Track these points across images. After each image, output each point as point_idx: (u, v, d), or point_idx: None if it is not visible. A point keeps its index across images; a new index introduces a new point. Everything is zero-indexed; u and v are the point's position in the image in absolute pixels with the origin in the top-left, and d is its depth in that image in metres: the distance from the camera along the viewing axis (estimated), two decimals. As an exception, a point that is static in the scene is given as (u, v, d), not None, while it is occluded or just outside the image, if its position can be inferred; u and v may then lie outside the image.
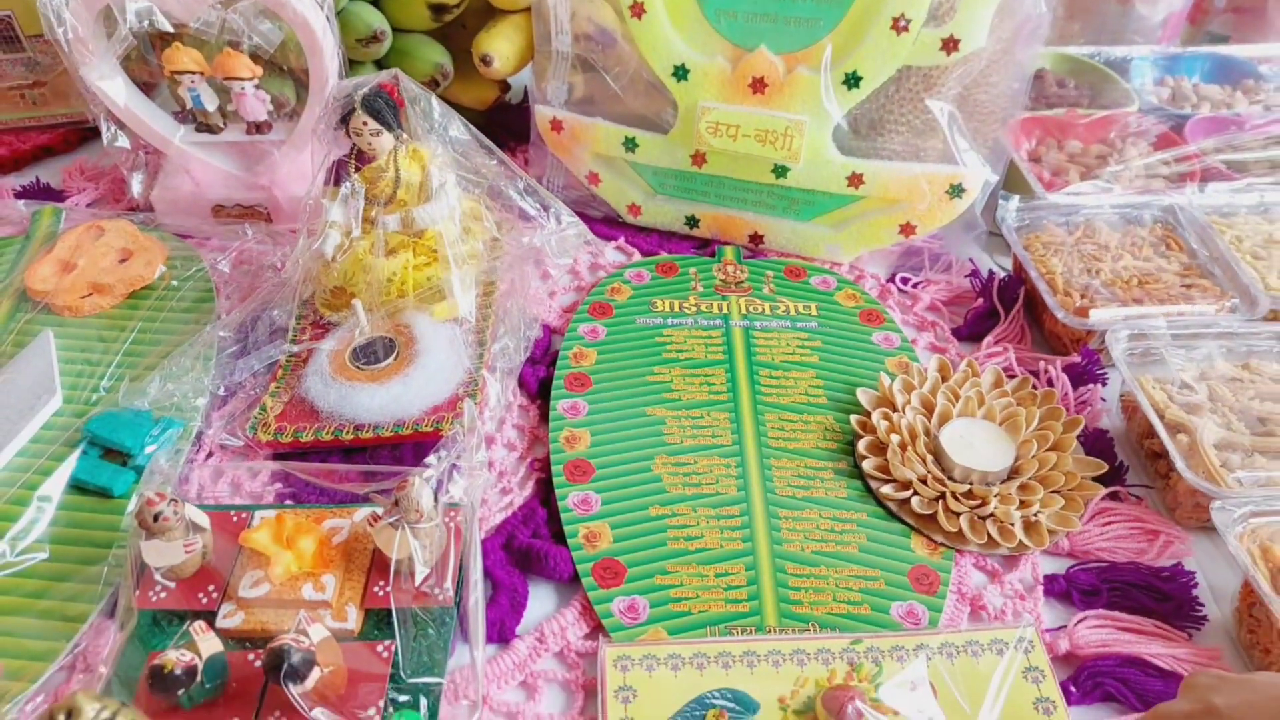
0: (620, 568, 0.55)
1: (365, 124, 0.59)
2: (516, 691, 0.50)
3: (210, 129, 0.74)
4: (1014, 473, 0.60)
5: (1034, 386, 0.65)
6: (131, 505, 0.55)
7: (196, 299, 0.70)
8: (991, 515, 0.57)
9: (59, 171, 0.85)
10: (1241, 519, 0.52)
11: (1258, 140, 0.86)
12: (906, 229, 0.75)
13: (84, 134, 0.89)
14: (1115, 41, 0.99)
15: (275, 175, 0.75)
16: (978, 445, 0.60)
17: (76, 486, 0.57)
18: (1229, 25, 1.07)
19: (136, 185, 0.77)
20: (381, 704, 0.46)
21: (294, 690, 0.43)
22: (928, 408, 0.63)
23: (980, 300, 0.74)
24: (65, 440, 0.59)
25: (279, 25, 0.67)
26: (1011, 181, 0.80)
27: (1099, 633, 0.53)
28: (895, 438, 0.60)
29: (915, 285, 0.77)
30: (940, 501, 0.58)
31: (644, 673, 0.50)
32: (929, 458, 0.60)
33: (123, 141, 0.74)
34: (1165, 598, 0.55)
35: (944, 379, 0.65)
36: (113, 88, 0.69)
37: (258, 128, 0.74)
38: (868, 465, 0.60)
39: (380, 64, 0.80)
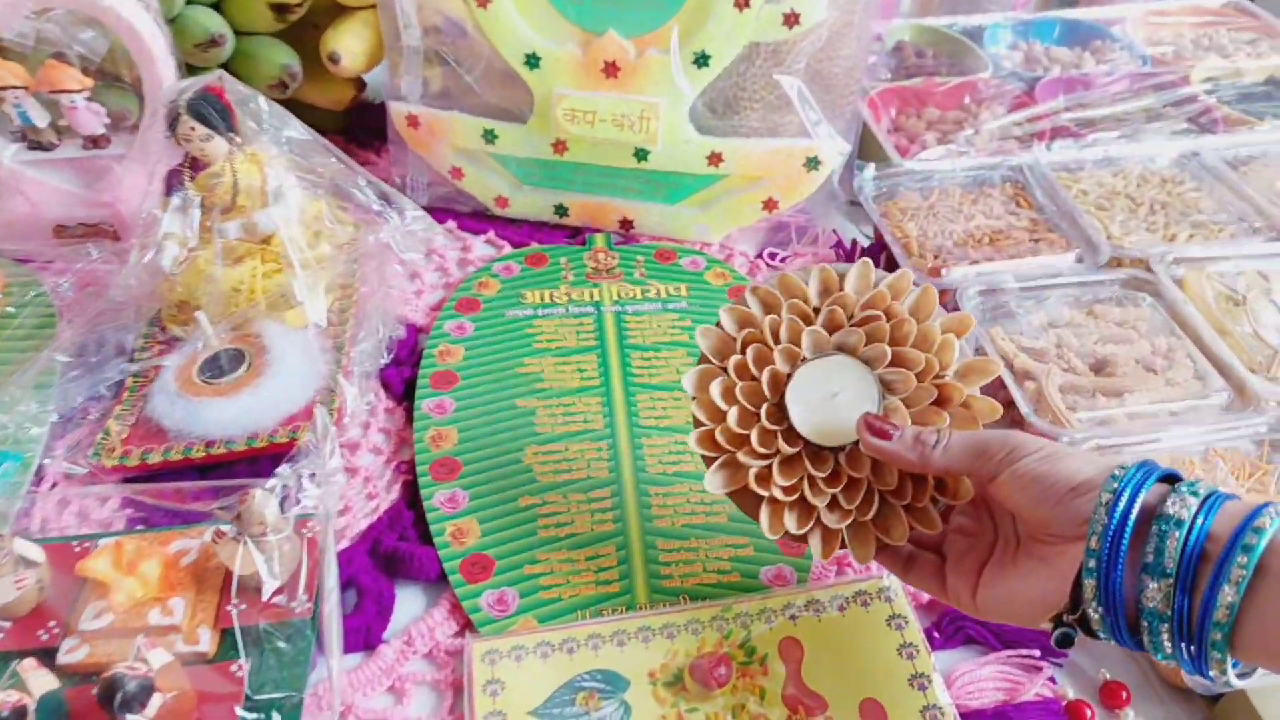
0: (488, 561, 0.54)
1: (193, 129, 0.57)
2: (385, 697, 0.49)
3: (42, 146, 0.71)
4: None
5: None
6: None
7: (36, 325, 0.66)
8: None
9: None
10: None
11: (1104, 98, 0.89)
12: (769, 204, 0.76)
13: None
14: (972, 11, 1.02)
15: (119, 190, 0.72)
16: (841, 394, 0.46)
17: (-94, 530, 0.53)
18: (1077, -10, 1.11)
19: (-32, 210, 0.73)
20: (236, 722, 0.44)
21: None
22: (794, 338, 0.48)
23: (845, 269, 0.75)
24: (-106, 482, 0.56)
25: (103, 33, 0.64)
26: (872, 150, 0.82)
27: (960, 581, 0.54)
28: (741, 384, 0.47)
29: (783, 260, 0.78)
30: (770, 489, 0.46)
31: (513, 663, 0.49)
32: (773, 412, 0.47)
33: (-53, 165, 0.70)
34: (1023, 541, 0.56)
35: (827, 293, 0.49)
36: (-72, 106, 0.66)
37: (95, 142, 0.71)
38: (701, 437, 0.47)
39: (225, 70, 0.77)
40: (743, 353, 0.48)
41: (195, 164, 0.60)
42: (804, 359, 0.47)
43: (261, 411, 0.57)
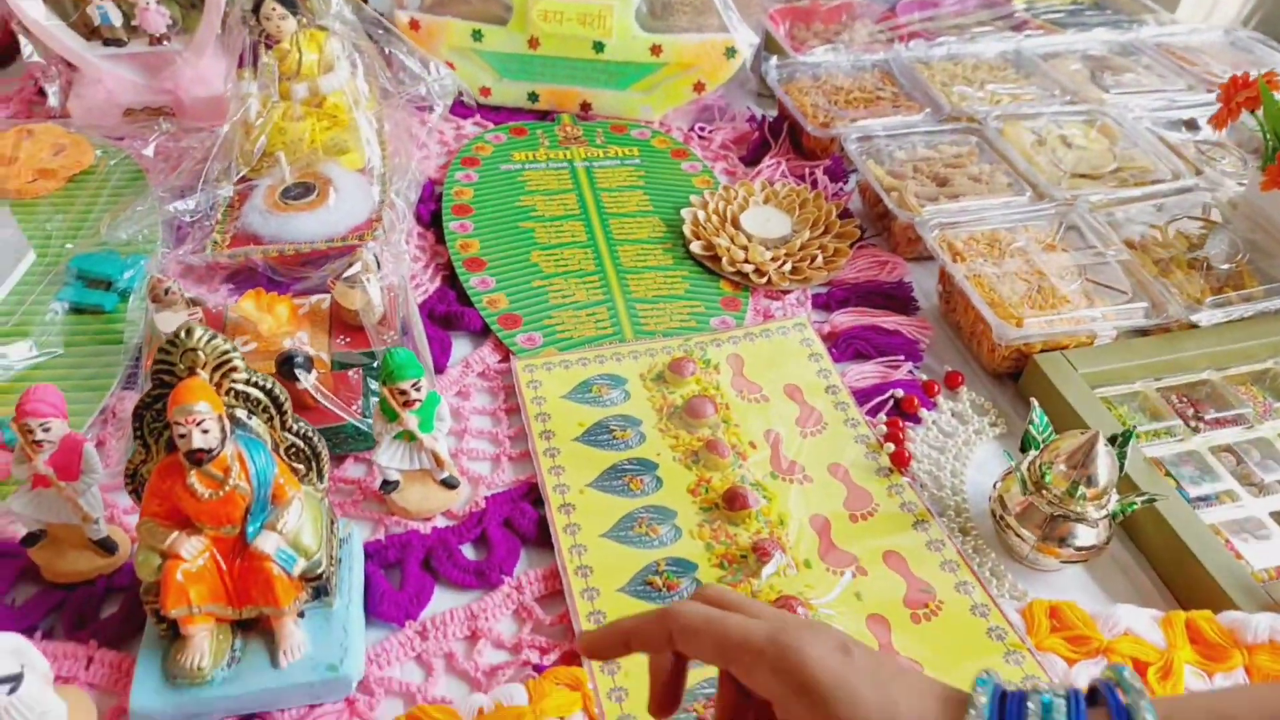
0: (517, 318, 0.75)
1: (275, 9, 0.75)
2: (455, 398, 0.69)
3: (117, 42, 0.87)
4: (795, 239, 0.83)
5: (801, 184, 0.89)
6: (132, 302, 0.70)
7: (129, 178, 0.83)
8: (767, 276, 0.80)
9: (-40, 101, 0.95)
10: (935, 227, 0.78)
11: (948, 12, 1.15)
12: (699, 87, 0.98)
13: (-24, 68, 0.98)
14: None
15: (179, 80, 0.88)
16: (771, 220, 0.84)
17: (74, 310, 0.70)
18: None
19: (53, 96, 0.89)
20: (360, 401, 0.64)
21: (304, 380, 0.60)
22: (725, 208, 0.85)
23: (756, 135, 0.98)
24: (49, 282, 0.72)
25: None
26: (774, 51, 1.05)
27: (849, 317, 0.77)
28: (714, 220, 0.83)
29: (710, 132, 1.00)
30: (734, 265, 0.80)
31: (545, 371, 0.70)
32: (736, 233, 0.82)
33: (37, 56, 0.86)
34: (892, 297, 0.80)
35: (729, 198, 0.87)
36: (31, 8, 0.81)
37: (158, 40, 0.88)
38: (695, 246, 0.82)
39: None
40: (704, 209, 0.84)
41: (268, 39, 0.78)
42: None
43: (334, 222, 0.76)
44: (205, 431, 0.46)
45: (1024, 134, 0.93)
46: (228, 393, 0.49)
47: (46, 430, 0.51)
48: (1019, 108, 0.96)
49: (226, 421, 0.47)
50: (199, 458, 0.46)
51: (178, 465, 0.47)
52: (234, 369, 0.49)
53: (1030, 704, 0.30)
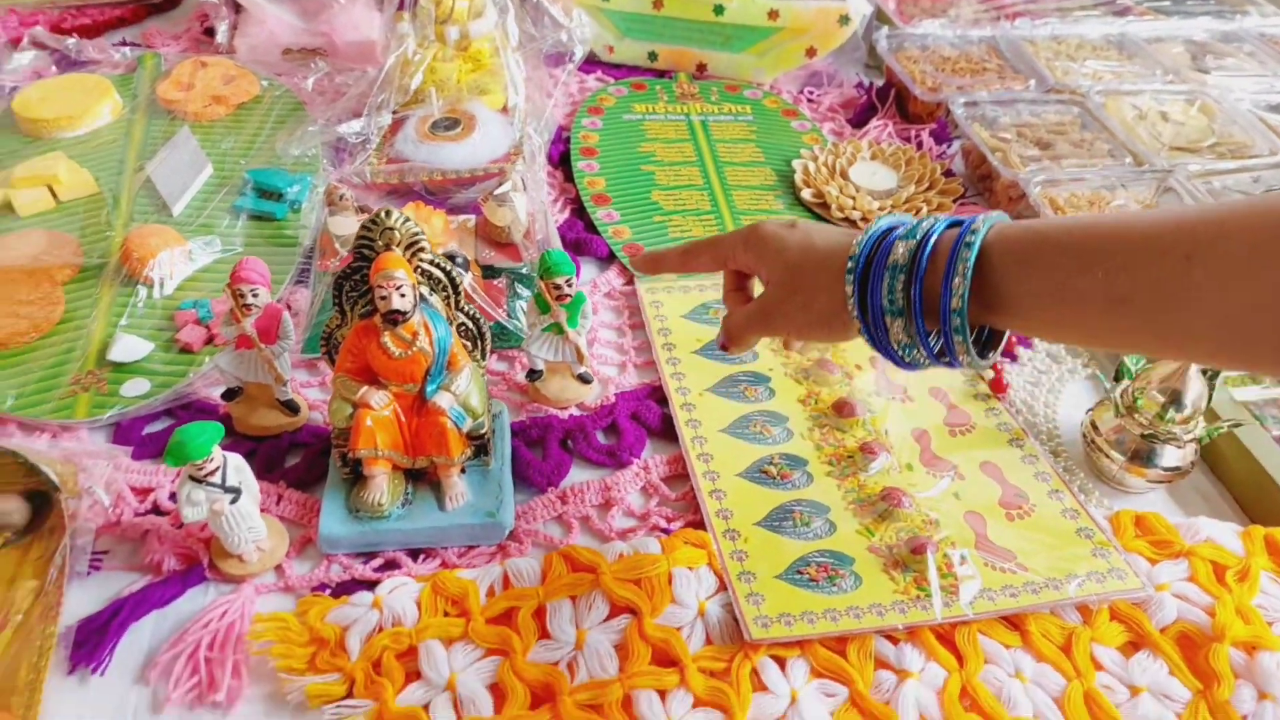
0: (639, 248, 0.81)
1: (434, -45, 0.83)
2: (583, 313, 0.76)
3: (281, -15, 0.96)
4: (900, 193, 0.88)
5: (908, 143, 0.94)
6: (303, 210, 0.78)
7: (290, 109, 0.92)
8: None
9: (135, 37, 1.05)
10: (1038, 184, 0.82)
11: (1053, -4, 1.18)
12: (810, 51, 1.03)
13: (150, 9, 1.08)
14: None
15: (334, 24, 0.97)
16: (877, 174, 0.90)
17: (251, 217, 0.79)
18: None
19: (222, 34, 0.98)
20: (506, 304, 0.71)
21: (462, 279, 0.67)
22: (835, 161, 0.91)
23: (864, 99, 1.03)
24: (228, 192, 0.81)
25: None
26: (881, 21, 1.09)
27: (949, 264, 0.82)
28: (824, 171, 0.89)
29: (818, 95, 1.05)
30: (843, 213, 0.86)
31: (666, 294, 0.76)
32: (845, 184, 0.88)
33: (213, -3, 0.96)
34: (991, 250, 0.84)
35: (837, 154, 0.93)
36: (213, -49, 0.90)
37: (319, -15, 0.96)
38: (805, 194, 0.88)
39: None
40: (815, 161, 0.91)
41: (425, -15, 0.86)
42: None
43: (478, 153, 0.84)
44: (403, 295, 0.53)
45: (1125, 108, 0.96)
46: (415, 270, 0.56)
47: (255, 296, 0.59)
48: (1121, 84, 1.00)
49: (418, 291, 0.55)
50: (395, 318, 0.53)
51: (373, 327, 0.55)
52: (422, 249, 0.56)
53: (906, 225, 0.44)
